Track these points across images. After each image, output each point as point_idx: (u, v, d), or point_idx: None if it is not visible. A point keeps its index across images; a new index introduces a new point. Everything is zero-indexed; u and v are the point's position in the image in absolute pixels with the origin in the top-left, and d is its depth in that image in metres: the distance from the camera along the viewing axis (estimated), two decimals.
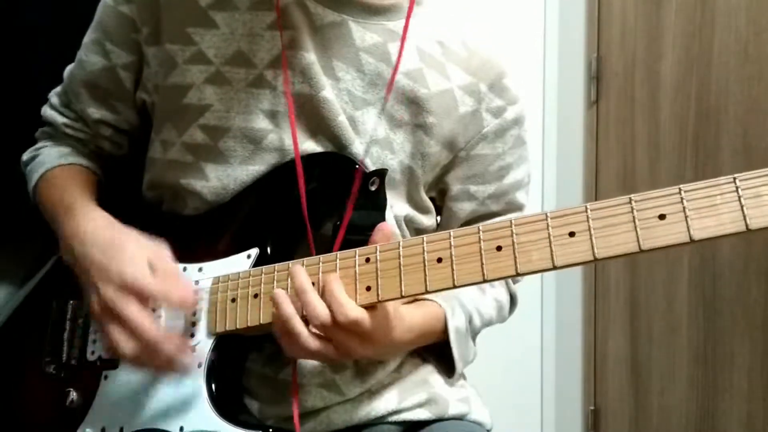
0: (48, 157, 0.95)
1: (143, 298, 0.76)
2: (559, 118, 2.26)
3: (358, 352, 0.75)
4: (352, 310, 0.72)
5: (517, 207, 0.97)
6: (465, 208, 0.94)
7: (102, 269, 0.78)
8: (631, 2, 2.11)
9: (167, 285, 0.78)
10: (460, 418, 0.93)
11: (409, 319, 0.82)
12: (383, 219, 0.85)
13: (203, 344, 0.81)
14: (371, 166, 0.86)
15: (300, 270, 0.76)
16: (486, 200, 0.94)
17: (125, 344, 0.76)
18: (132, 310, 0.75)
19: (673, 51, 2.00)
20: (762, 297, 1.79)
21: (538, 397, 2.26)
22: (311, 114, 0.85)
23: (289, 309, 0.74)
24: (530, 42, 2.23)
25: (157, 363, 0.77)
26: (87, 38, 0.94)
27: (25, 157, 0.99)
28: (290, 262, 0.79)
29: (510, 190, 0.96)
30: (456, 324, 0.88)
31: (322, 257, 0.77)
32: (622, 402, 2.16)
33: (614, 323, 2.18)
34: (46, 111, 0.99)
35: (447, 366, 0.92)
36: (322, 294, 0.74)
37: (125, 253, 0.79)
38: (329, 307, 0.73)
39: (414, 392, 0.92)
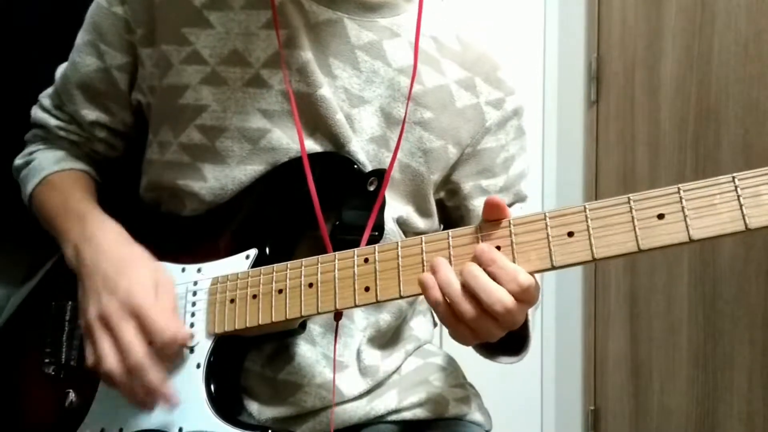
0: (44, 162, 0.94)
1: (141, 323, 0.76)
2: (559, 118, 2.26)
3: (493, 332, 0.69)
4: (527, 279, 0.67)
5: (522, 198, 0.98)
6: (482, 204, 0.93)
7: (110, 281, 0.78)
8: (631, 2, 2.11)
9: (165, 320, 0.77)
10: (459, 418, 0.93)
11: None
12: (382, 219, 0.85)
13: (202, 345, 0.81)
14: (369, 165, 0.86)
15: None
16: (498, 194, 0.94)
17: (110, 359, 0.75)
18: (129, 329, 0.76)
19: (673, 51, 1.99)
20: (762, 297, 1.79)
21: (538, 397, 2.26)
22: (309, 112, 0.85)
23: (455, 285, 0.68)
24: (530, 42, 2.23)
25: (135, 388, 0.76)
26: (80, 39, 0.93)
27: (17, 161, 0.98)
28: (297, 260, 0.78)
29: (516, 181, 0.96)
30: None
31: (320, 257, 0.77)
32: (622, 402, 2.15)
33: (614, 323, 2.17)
34: (37, 113, 0.98)
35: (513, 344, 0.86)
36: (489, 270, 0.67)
37: (135, 273, 0.79)
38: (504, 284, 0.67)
39: (413, 392, 0.92)
